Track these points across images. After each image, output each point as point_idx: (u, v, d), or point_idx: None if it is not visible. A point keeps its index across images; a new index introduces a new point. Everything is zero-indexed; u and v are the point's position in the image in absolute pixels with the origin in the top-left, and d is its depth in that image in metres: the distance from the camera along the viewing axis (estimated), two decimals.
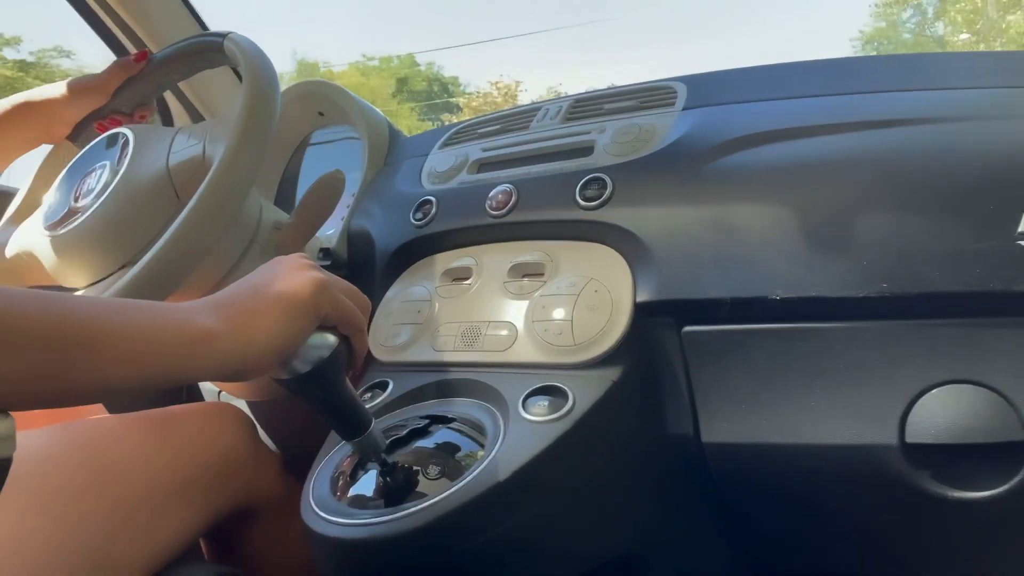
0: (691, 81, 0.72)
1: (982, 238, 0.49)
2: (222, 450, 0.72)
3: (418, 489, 0.50)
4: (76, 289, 0.68)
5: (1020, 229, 0.48)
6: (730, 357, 0.56)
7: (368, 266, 0.77)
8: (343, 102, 0.92)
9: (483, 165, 0.75)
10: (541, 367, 0.58)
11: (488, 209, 0.69)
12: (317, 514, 0.50)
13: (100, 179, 0.68)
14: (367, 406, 0.55)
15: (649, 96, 0.72)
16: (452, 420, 0.57)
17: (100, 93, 0.78)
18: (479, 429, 0.55)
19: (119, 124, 0.79)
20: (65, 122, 0.80)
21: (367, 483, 0.53)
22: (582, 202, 0.63)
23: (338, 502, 0.51)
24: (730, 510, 0.65)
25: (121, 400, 0.88)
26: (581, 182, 0.64)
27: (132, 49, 1.09)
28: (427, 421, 0.56)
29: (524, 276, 0.65)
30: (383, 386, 0.63)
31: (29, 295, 0.34)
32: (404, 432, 0.55)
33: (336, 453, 0.58)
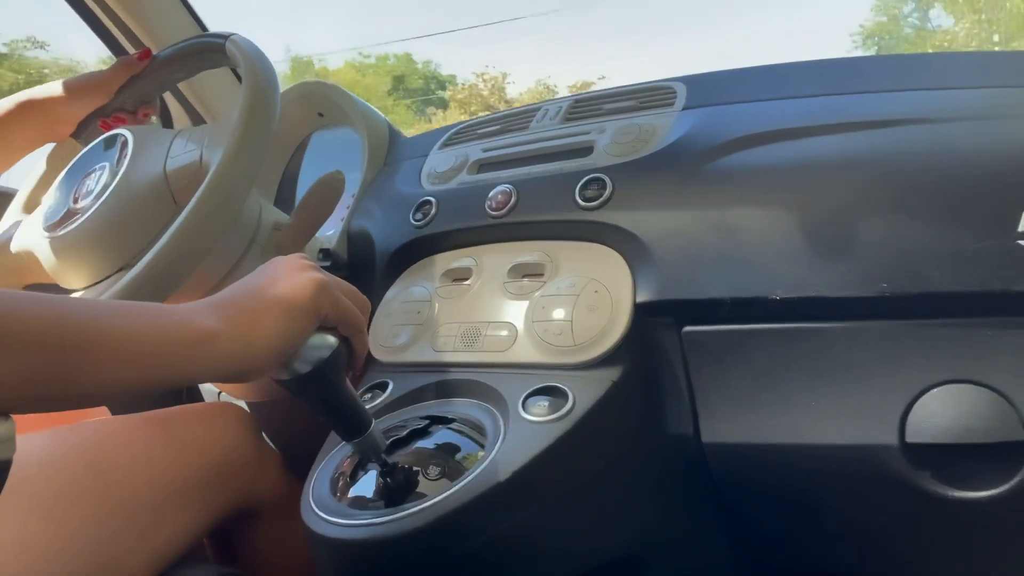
0: (691, 81, 0.72)
1: (982, 238, 0.48)
2: (224, 450, 0.72)
3: (418, 490, 0.50)
4: (75, 290, 0.68)
5: (1020, 229, 0.48)
6: (730, 357, 0.56)
7: (368, 266, 0.77)
8: (343, 103, 0.92)
9: (483, 165, 0.75)
10: (541, 367, 0.58)
11: (488, 209, 0.69)
12: (317, 515, 0.50)
13: (99, 181, 0.68)
14: (367, 407, 0.55)
15: (649, 96, 0.72)
16: (452, 421, 0.57)
17: (103, 91, 0.78)
18: (479, 429, 0.55)
19: (123, 122, 0.79)
20: (68, 120, 0.80)
21: (367, 484, 0.53)
22: (582, 202, 0.63)
23: (338, 502, 0.51)
24: (730, 510, 0.65)
25: (123, 402, 0.88)
26: (581, 182, 0.64)
27: (130, 48, 1.09)
28: (427, 422, 0.56)
29: (524, 276, 0.65)
30: (383, 386, 0.63)
31: (24, 297, 0.33)
32: (404, 433, 0.55)
33: (336, 454, 0.57)
